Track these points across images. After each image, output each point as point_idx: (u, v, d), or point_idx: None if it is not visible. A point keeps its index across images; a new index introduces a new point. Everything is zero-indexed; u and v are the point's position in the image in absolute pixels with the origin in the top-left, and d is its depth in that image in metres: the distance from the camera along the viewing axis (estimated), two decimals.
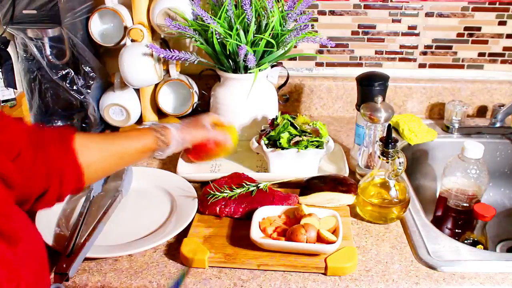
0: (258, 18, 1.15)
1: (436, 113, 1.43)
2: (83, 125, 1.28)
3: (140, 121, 1.34)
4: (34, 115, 1.25)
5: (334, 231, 0.89)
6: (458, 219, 1.12)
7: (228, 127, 1.06)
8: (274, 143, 1.08)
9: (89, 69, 1.23)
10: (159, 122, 0.99)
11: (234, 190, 1.00)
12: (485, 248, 1.02)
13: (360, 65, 1.44)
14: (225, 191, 0.99)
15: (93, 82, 1.25)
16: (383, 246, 0.91)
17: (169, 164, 1.16)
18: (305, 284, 0.82)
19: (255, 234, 0.88)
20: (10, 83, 1.06)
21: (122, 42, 1.23)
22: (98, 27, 1.26)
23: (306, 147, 1.06)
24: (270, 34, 1.13)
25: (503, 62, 1.42)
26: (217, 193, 0.99)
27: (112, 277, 0.84)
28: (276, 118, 1.11)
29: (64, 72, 1.20)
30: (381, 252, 0.90)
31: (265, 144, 1.08)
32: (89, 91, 1.24)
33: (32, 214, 0.92)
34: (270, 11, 1.12)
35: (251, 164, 1.18)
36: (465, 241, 1.01)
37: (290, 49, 1.18)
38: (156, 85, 1.29)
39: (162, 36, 1.32)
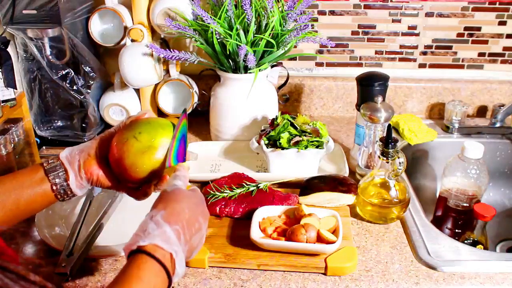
0: (258, 18, 1.15)
1: (436, 113, 1.43)
2: (83, 125, 1.28)
3: None
4: (34, 115, 1.26)
5: (334, 231, 0.89)
6: (458, 219, 1.12)
7: None
8: (274, 143, 1.08)
9: (89, 69, 1.23)
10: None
11: (234, 190, 1.00)
12: (485, 248, 1.02)
13: (360, 65, 1.44)
14: (225, 191, 0.99)
15: (93, 82, 1.25)
16: (383, 246, 0.91)
17: None
18: (305, 284, 0.82)
19: (255, 234, 0.88)
20: (10, 83, 1.06)
21: (122, 42, 1.23)
22: (98, 27, 1.26)
23: (306, 147, 1.06)
24: (270, 34, 1.13)
25: (503, 62, 1.42)
26: (217, 193, 0.99)
27: (112, 277, 0.84)
28: (276, 118, 1.11)
29: (64, 72, 1.20)
30: (381, 252, 0.90)
31: (265, 144, 1.08)
32: (89, 91, 1.24)
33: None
34: (270, 11, 1.12)
35: (251, 164, 1.18)
36: (465, 241, 1.01)
37: (290, 49, 1.18)
38: (156, 85, 1.29)
39: (162, 36, 1.32)
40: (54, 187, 0.73)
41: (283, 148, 1.06)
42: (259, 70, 1.14)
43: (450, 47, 1.40)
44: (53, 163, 0.74)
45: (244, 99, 1.18)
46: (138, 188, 0.77)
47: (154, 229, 0.62)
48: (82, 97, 1.23)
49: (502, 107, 1.32)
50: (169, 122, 0.77)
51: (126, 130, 0.75)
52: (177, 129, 0.75)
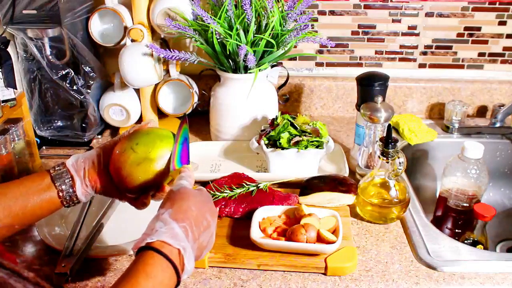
0: (258, 18, 1.15)
1: (436, 113, 1.43)
2: (83, 125, 1.28)
3: (140, 121, 1.34)
4: (34, 115, 1.26)
5: (334, 231, 0.89)
6: (458, 219, 1.12)
7: None
8: (274, 143, 1.08)
9: (89, 69, 1.23)
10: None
11: (234, 190, 1.00)
12: (485, 248, 1.02)
13: (360, 65, 1.44)
14: (225, 191, 0.99)
15: (93, 82, 1.25)
16: (383, 246, 0.91)
17: None
18: (305, 284, 0.82)
19: (255, 234, 0.88)
20: (10, 83, 1.06)
21: (122, 42, 1.23)
22: (98, 27, 1.26)
23: (306, 147, 1.06)
24: (270, 34, 1.13)
25: (503, 62, 1.42)
26: (217, 193, 0.99)
27: (112, 277, 0.84)
28: (276, 118, 1.11)
29: (64, 72, 1.20)
30: (381, 252, 0.90)
31: (265, 144, 1.08)
32: (89, 91, 1.24)
33: None
34: (270, 11, 1.12)
35: (251, 164, 1.18)
36: (465, 241, 1.01)
37: (290, 49, 1.18)
38: (156, 85, 1.29)
39: (162, 36, 1.32)
40: (60, 194, 0.74)
41: (283, 148, 1.06)
42: (259, 70, 1.14)
43: (450, 47, 1.40)
44: (59, 170, 0.75)
45: (244, 99, 1.18)
46: (136, 198, 0.78)
47: (161, 227, 0.63)
48: (82, 97, 1.23)
49: (502, 107, 1.32)
50: (169, 133, 0.78)
51: (126, 140, 0.76)
52: (179, 133, 0.76)
